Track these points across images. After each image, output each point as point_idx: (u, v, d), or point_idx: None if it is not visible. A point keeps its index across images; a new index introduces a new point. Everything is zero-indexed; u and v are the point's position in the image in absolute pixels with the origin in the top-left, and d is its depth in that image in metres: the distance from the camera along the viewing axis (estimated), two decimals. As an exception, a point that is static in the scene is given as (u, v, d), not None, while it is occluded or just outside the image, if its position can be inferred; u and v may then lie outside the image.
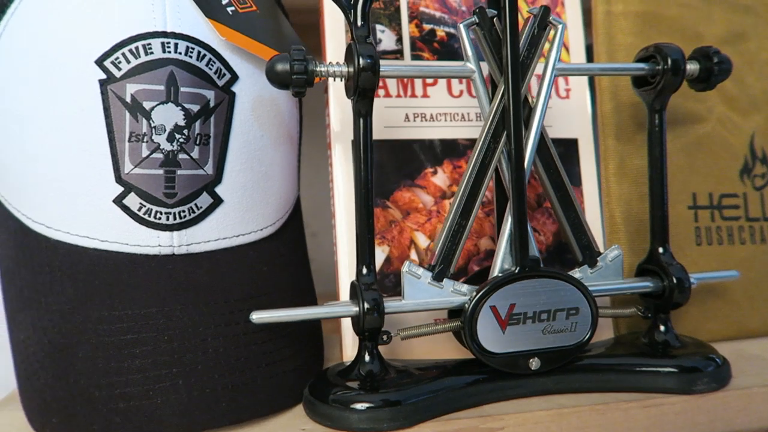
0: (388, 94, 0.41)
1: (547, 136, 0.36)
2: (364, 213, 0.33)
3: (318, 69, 0.32)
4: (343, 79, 0.33)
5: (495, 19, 0.35)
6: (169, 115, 0.32)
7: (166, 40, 0.32)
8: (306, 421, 0.32)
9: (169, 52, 0.32)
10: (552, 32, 0.35)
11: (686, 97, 0.43)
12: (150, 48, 0.32)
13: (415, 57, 0.42)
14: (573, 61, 0.44)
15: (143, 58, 0.32)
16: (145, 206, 0.32)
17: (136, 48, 0.32)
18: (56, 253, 0.32)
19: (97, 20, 0.32)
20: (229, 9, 0.35)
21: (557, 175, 0.36)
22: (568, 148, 0.43)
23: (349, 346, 0.39)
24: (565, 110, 0.44)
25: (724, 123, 0.44)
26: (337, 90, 0.40)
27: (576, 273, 0.36)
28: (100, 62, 0.31)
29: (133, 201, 0.32)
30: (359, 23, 0.32)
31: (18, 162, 0.33)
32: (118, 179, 0.32)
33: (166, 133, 0.32)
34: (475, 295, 0.33)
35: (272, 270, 0.37)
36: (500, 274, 0.34)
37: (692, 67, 0.37)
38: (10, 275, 0.33)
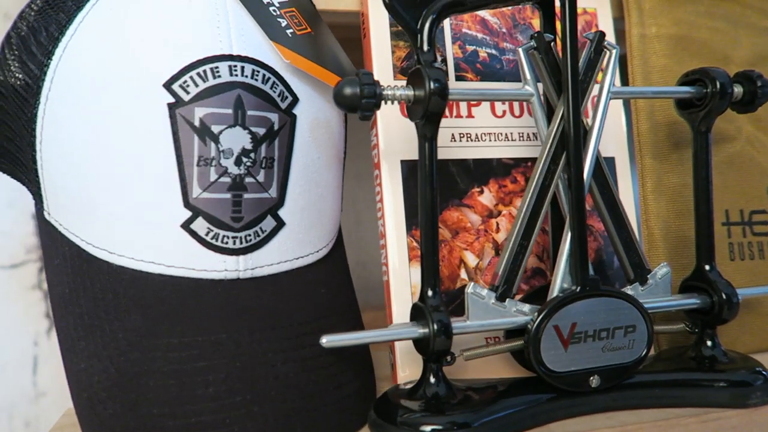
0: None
1: (601, 157, 0.36)
2: (430, 235, 0.33)
3: (385, 93, 0.32)
4: (408, 102, 0.33)
5: (552, 44, 0.35)
6: (236, 139, 0.32)
7: (233, 63, 0.32)
8: (376, 445, 0.32)
9: (236, 75, 0.32)
10: (607, 56, 0.36)
11: (718, 118, 0.44)
12: (218, 71, 0.32)
13: (458, 78, 0.42)
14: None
15: (211, 82, 0.32)
16: (212, 231, 0.32)
17: (204, 71, 0.32)
18: (120, 278, 0.32)
19: (164, 44, 0.32)
20: (288, 31, 0.35)
21: (611, 195, 0.37)
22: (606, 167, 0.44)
23: (403, 367, 0.39)
24: (603, 130, 0.45)
25: (752, 142, 0.46)
26: (384, 111, 0.40)
27: (628, 290, 0.37)
28: (168, 86, 0.31)
29: (200, 225, 0.32)
30: (425, 48, 0.33)
31: (79, 187, 0.32)
32: (186, 204, 0.31)
33: (234, 156, 0.32)
34: (539, 315, 0.34)
35: (329, 292, 0.37)
36: (560, 294, 0.35)
37: (737, 90, 0.38)
38: (66, 302, 0.32)
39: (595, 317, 0.34)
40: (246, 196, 0.33)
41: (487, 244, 0.41)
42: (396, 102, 0.33)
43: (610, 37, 0.46)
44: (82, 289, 0.32)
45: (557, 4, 0.35)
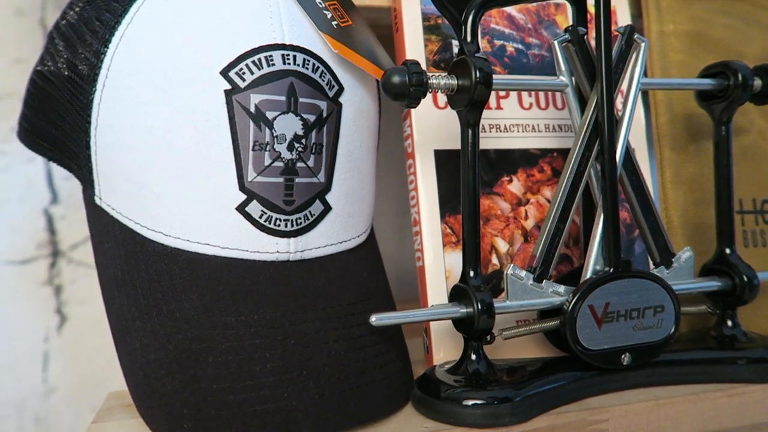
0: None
1: (631, 146, 0.38)
2: (472, 219, 0.35)
3: (431, 81, 0.34)
4: (451, 92, 0.34)
5: (584, 37, 0.37)
6: (289, 125, 0.33)
7: (285, 52, 0.33)
8: (422, 419, 0.33)
9: (289, 63, 0.33)
10: (636, 49, 0.38)
11: (732, 111, 0.46)
12: (272, 60, 0.33)
13: (488, 70, 0.44)
14: (626, 76, 0.47)
15: (266, 70, 0.33)
16: (266, 213, 0.33)
17: (259, 59, 0.33)
18: (176, 260, 0.33)
19: (220, 32, 0.33)
20: (333, 23, 0.36)
21: (639, 182, 0.38)
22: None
23: (438, 349, 0.40)
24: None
25: (764, 135, 0.48)
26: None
27: (655, 273, 0.39)
28: (224, 73, 0.32)
29: (255, 208, 0.33)
30: (469, 39, 0.34)
31: (135, 171, 0.33)
32: (242, 187, 0.33)
33: (287, 142, 0.33)
34: (575, 295, 0.35)
35: (370, 275, 0.38)
36: (594, 276, 0.36)
37: (757, 82, 0.40)
38: (119, 284, 0.33)
39: (627, 297, 0.36)
40: (297, 180, 0.34)
41: (516, 230, 0.43)
42: (439, 91, 0.35)
43: (629, 34, 0.48)
44: (136, 271, 0.33)
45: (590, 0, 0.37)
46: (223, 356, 0.31)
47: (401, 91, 0.33)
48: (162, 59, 0.32)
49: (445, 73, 0.34)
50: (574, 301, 0.35)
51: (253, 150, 0.33)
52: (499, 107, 0.44)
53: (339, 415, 0.31)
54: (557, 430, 0.33)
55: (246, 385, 0.30)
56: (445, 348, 0.40)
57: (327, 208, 0.35)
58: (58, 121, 0.36)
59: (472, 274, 0.35)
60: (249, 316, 0.32)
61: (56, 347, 0.60)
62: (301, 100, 0.34)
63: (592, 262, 0.37)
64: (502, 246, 0.42)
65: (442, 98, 0.42)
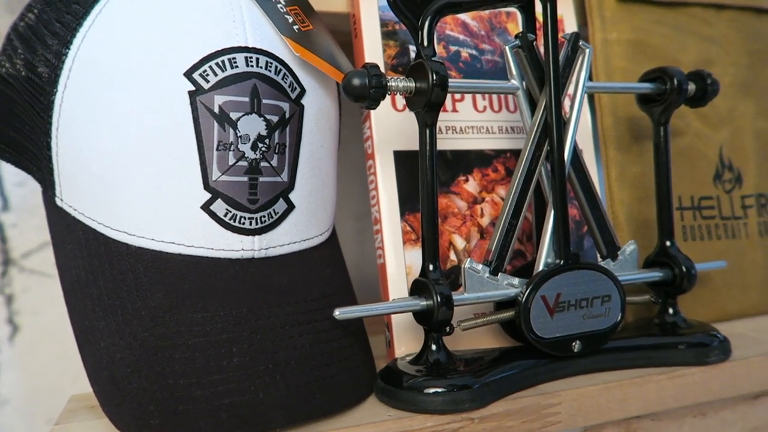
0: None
1: (578, 146, 0.41)
2: (431, 216, 0.36)
3: (390, 84, 0.35)
4: (409, 94, 0.36)
5: (534, 43, 0.39)
6: (253, 125, 0.34)
7: (248, 54, 0.34)
8: (386, 409, 0.35)
9: (252, 66, 0.34)
10: (581, 55, 0.40)
11: (670, 114, 0.50)
12: (235, 62, 0.34)
13: (443, 75, 0.46)
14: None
15: (229, 71, 0.34)
16: (231, 212, 0.34)
17: (223, 62, 0.34)
18: (140, 259, 0.33)
19: (183, 34, 0.33)
20: (294, 27, 0.37)
21: (586, 180, 0.41)
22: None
23: (399, 341, 0.41)
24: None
25: (699, 136, 0.51)
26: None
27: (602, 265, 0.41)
28: (188, 74, 0.33)
29: (219, 207, 0.33)
30: (426, 43, 0.36)
31: (99, 171, 0.33)
32: (207, 186, 0.33)
33: (251, 142, 0.34)
34: (528, 287, 0.37)
35: (333, 272, 0.39)
36: (546, 268, 0.38)
37: (691, 87, 0.43)
38: (81, 285, 0.33)
39: (577, 288, 0.38)
40: (261, 179, 0.35)
41: (473, 228, 0.44)
42: (398, 93, 0.36)
43: (575, 41, 0.51)
44: (100, 271, 0.33)
45: (538, 8, 0.39)
46: (189, 352, 0.31)
47: (361, 93, 0.34)
48: (126, 61, 0.33)
49: (404, 76, 0.36)
50: (527, 292, 0.37)
51: (217, 150, 0.33)
52: (455, 110, 0.46)
53: (306, 406, 0.32)
54: (513, 414, 0.35)
55: (213, 379, 0.31)
56: (406, 342, 0.41)
57: (290, 206, 0.36)
58: (16, 122, 0.36)
59: (431, 268, 0.36)
60: (215, 313, 0.32)
61: (8, 358, 0.58)
62: (264, 101, 0.35)
63: (544, 256, 0.39)
64: (460, 242, 0.44)
65: (400, 101, 0.44)
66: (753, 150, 0.53)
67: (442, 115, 0.45)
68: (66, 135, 0.34)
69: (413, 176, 0.43)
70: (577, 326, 0.38)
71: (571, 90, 0.41)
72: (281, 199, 0.36)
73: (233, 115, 0.34)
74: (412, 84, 0.36)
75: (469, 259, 0.37)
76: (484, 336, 0.43)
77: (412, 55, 0.45)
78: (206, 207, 0.33)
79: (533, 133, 0.39)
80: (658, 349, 0.40)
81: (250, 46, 0.35)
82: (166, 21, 0.33)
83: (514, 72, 0.39)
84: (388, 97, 0.43)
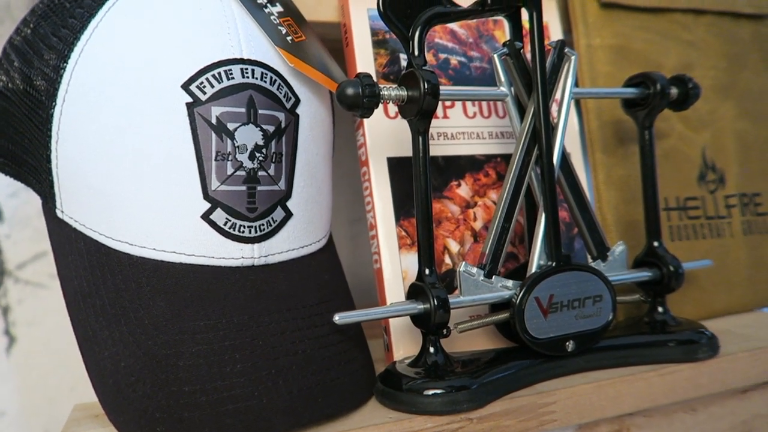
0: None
1: (566, 150, 0.42)
2: (426, 221, 0.37)
3: (383, 93, 0.36)
4: (401, 102, 0.37)
5: (521, 50, 0.40)
6: (250, 136, 0.35)
7: (244, 66, 0.35)
8: (386, 411, 0.35)
9: (248, 77, 0.35)
10: (567, 61, 0.41)
11: (654, 118, 0.51)
12: (231, 73, 0.34)
13: (434, 82, 0.47)
14: (560, 87, 0.51)
15: (225, 83, 0.34)
16: (230, 221, 0.34)
17: (219, 73, 0.34)
18: (142, 269, 0.34)
19: (180, 47, 0.34)
20: (288, 38, 0.38)
21: (575, 183, 0.42)
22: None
23: (398, 344, 0.42)
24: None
25: (682, 138, 0.53)
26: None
27: (593, 266, 0.42)
28: (186, 86, 0.34)
29: (219, 216, 0.34)
30: (416, 53, 0.37)
31: (100, 183, 0.34)
32: (206, 196, 0.34)
33: (248, 152, 0.35)
34: (522, 289, 0.38)
35: (331, 277, 0.40)
36: (538, 270, 0.39)
37: (673, 91, 0.44)
38: (84, 295, 0.34)
39: (569, 289, 0.39)
40: (259, 188, 0.35)
41: (466, 231, 0.45)
42: (390, 101, 0.37)
43: (561, 48, 0.52)
44: (102, 281, 0.34)
45: (524, 16, 0.40)
46: (193, 359, 0.32)
47: (355, 102, 0.35)
48: (124, 74, 0.33)
49: (396, 85, 0.37)
50: (521, 293, 0.38)
51: (215, 160, 0.34)
52: (445, 116, 0.46)
53: (308, 410, 0.33)
54: (511, 413, 0.35)
55: (217, 385, 0.31)
56: (404, 345, 0.42)
57: (288, 214, 0.37)
58: (15, 136, 0.36)
59: (427, 272, 0.37)
60: (217, 320, 0.33)
61: (4, 370, 0.58)
62: (260, 111, 0.35)
63: (536, 258, 0.40)
64: (454, 246, 0.45)
65: (392, 108, 0.45)
66: (734, 151, 0.55)
67: (433, 122, 0.46)
68: (65, 148, 0.34)
69: (407, 182, 0.44)
70: (570, 326, 0.39)
71: (558, 95, 0.42)
72: (279, 207, 0.36)
73: (230, 126, 0.34)
74: (404, 92, 0.36)
75: (464, 262, 0.38)
76: (480, 337, 0.43)
77: (403, 63, 0.46)
78: (206, 216, 0.34)
79: (523, 139, 0.40)
80: (648, 347, 0.41)
81: (245, 57, 0.35)
82: (162, 34, 0.34)
83: (502, 79, 0.40)
84: (380, 105, 0.44)
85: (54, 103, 0.34)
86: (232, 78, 0.35)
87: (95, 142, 0.34)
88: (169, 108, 0.33)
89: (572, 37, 0.52)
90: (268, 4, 0.39)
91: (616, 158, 0.50)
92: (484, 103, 0.47)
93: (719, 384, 0.41)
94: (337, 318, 0.34)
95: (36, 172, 0.36)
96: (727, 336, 0.46)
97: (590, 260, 0.43)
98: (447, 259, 0.45)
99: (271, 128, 0.36)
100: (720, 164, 0.54)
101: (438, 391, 0.35)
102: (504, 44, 0.40)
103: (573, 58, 0.41)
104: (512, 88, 0.41)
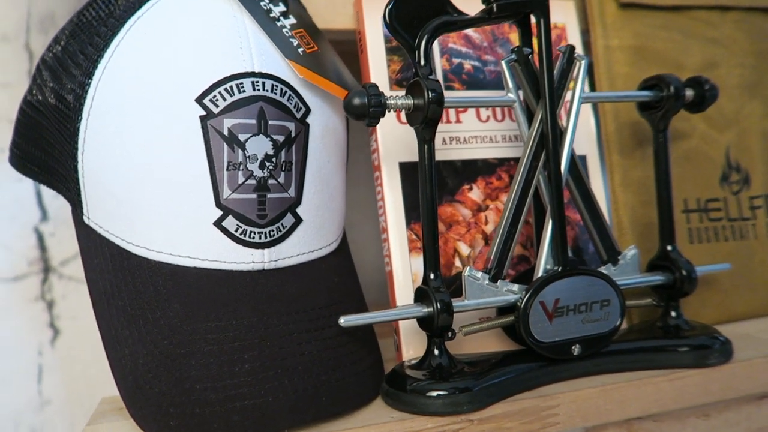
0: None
1: (576, 155, 0.42)
2: (431, 226, 0.38)
3: (389, 102, 0.37)
4: (408, 110, 0.38)
5: (529, 56, 0.41)
6: (260, 146, 0.36)
7: (255, 79, 0.37)
8: (390, 411, 0.37)
9: (258, 90, 0.37)
10: (577, 66, 0.41)
11: (675, 118, 0.50)
12: (242, 87, 0.36)
13: (447, 87, 0.47)
14: (577, 88, 0.51)
15: (237, 96, 0.36)
16: (241, 227, 0.36)
17: (231, 87, 0.36)
18: (159, 273, 0.36)
19: (194, 63, 0.36)
20: (299, 50, 0.40)
21: (584, 187, 0.42)
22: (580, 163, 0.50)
23: (407, 346, 0.43)
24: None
25: (705, 139, 0.52)
26: (382, 119, 0.45)
27: (602, 270, 0.42)
28: (199, 100, 0.35)
29: (231, 223, 0.36)
30: (422, 62, 0.38)
31: (121, 192, 0.36)
32: (218, 204, 0.36)
33: (258, 161, 0.36)
34: (527, 293, 0.39)
35: (341, 280, 0.41)
36: (545, 274, 0.40)
37: (689, 93, 0.44)
38: (108, 296, 0.36)
39: (575, 293, 0.40)
40: (269, 195, 0.37)
41: (477, 235, 0.46)
42: (396, 110, 0.38)
43: (578, 49, 0.52)
44: (124, 284, 0.36)
45: (533, 22, 0.41)
46: (204, 359, 0.34)
47: (361, 111, 0.36)
48: (142, 89, 0.36)
49: (403, 94, 0.38)
50: (526, 298, 0.39)
51: (227, 170, 0.36)
52: (458, 121, 0.47)
53: (312, 409, 0.34)
54: (512, 415, 0.36)
55: (226, 384, 0.33)
56: (414, 346, 0.43)
57: (298, 220, 0.38)
58: (47, 147, 0.39)
59: (432, 276, 0.38)
60: (228, 322, 0.35)
61: (50, 361, 0.62)
62: (270, 122, 0.37)
63: (543, 262, 0.40)
64: (465, 249, 0.46)
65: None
66: (760, 150, 0.53)
67: (446, 127, 0.47)
68: (90, 159, 0.37)
69: (418, 187, 0.45)
70: (576, 330, 0.40)
71: (568, 99, 0.42)
72: (289, 213, 0.38)
73: (241, 137, 0.36)
74: (409, 101, 0.37)
75: (468, 267, 0.39)
76: (490, 339, 0.44)
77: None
78: (218, 223, 0.36)
79: (530, 144, 0.40)
80: (658, 351, 0.41)
81: (256, 71, 0.37)
82: (178, 50, 0.36)
83: (510, 85, 0.40)
84: (393, 111, 0.45)
85: (80, 117, 0.37)
86: (244, 91, 0.36)
87: (117, 153, 0.36)
88: (183, 121, 0.35)
89: (590, 38, 0.51)
90: (281, 17, 0.40)
91: (634, 160, 0.50)
92: (497, 107, 0.48)
93: (731, 390, 0.41)
94: (343, 321, 0.36)
95: (66, 181, 0.39)
96: (746, 341, 0.45)
97: (601, 264, 0.43)
98: (457, 262, 0.45)
99: (281, 138, 0.37)
100: (745, 164, 0.53)
101: (440, 393, 0.36)
102: (512, 50, 0.41)
103: (583, 62, 0.41)
104: (521, 93, 0.41)
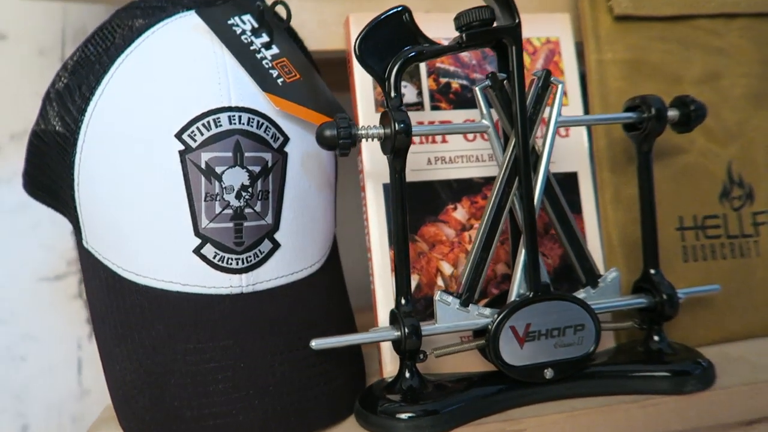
0: (412, 142, 0.47)
1: (552, 178, 0.42)
2: (402, 252, 0.39)
3: (360, 132, 0.38)
4: (380, 140, 0.39)
5: (505, 81, 0.41)
6: (236, 177, 0.38)
7: (231, 113, 0.39)
8: (360, 430, 0.38)
9: (235, 123, 0.38)
10: (553, 90, 0.41)
11: (671, 132, 0.49)
12: (219, 121, 0.38)
13: (433, 107, 0.48)
14: (571, 103, 0.50)
15: (214, 130, 0.38)
16: (219, 254, 0.38)
17: (208, 122, 0.38)
18: (145, 296, 0.38)
19: (175, 100, 0.38)
20: (279, 81, 0.41)
21: (561, 210, 0.42)
22: (569, 180, 0.50)
23: (387, 363, 0.45)
24: (566, 147, 0.50)
25: (704, 153, 0.51)
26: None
27: (581, 293, 0.42)
28: (179, 136, 0.38)
29: (209, 250, 0.38)
30: (392, 94, 0.39)
31: (111, 221, 0.39)
32: (197, 233, 0.38)
33: (235, 192, 0.38)
34: (497, 318, 0.39)
35: (323, 301, 0.43)
36: (517, 299, 0.40)
37: (673, 113, 0.43)
38: (103, 315, 0.39)
39: (548, 318, 0.40)
40: (246, 224, 0.39)
41: (461, 254, 0.47)
42: (368, 139, 0.39)
43: (572, 62, 0.51)
44: (115, 305, 0.39)
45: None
46: (183, 378, 0.36)
47: (332, 143, 0.38)
48: (127, 125, 0.38)
49: (375, 124, 0.39)
50: (496, 323, 0.39)
51: (205, 200, 0.38)
52: (444, 141, 0.48)
53: (281, 428, 0.36)
54: (476, 438, 0.37)
55: (201, 402, 0.36)
56: (394, 362, 0.44)
57: (276, 245, 0.40)
58: (52, 175, 0.43)
59: (403, 301, 0.39)
60: (205, 344, 0.37)
61: (88, 354, 0.68)
62: (246, 154, 0.39)
63: (516, 287, 0.41)
64: (447, 269, 0.47)
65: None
66: (767, 164, 0.51)
67: (431, 147, 0.48)
68: (85, 189, 0.40)
69: (401, 207, 0.46)
70: (548, 354, 0.40)
71: (545, 124, 0.42)
72: (266, 239, 0.40)
73: (218, 169, 0.38)
74: (380, 131, 0.38)
75: (439, 291, 0.40)
76: (472, 358, 0.45)
77: (403, 90, 0.48)
78: (197, 251, 0.38)
79: (503, 170, 0.40)
80: (634, 376, 0.41)
81: (233, 105, 0.39)
82: (160, 88, 0.38)
83: (484, 111, 0.41)
84: (368, 141, 0.46)
85: (75, 151, 0.40)
86: (220, 125, 0.38)
87: (106, 185, 0.39)
88: (164, 155, 0.38)
89: (584, 52, 0.51)
90: (263, 49, 0.42)
91: (625, 177, 0.49)
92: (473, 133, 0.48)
93: (710, 418, 0.40)
94: (313, 344, 0.38)
95: (67, 206, 0.42)
96: (736, 365, 0.45)
97: (581, 287, 0.43)
98: (440, 281, 0.46)
99: (257, 168, 0.39)
100: (749, 179, 0.51)
101: (406, 415, 0.37)
102: (487, 76, 0.41)
103: (559, 86, 0.41)
104: (495, 120, 0.41)
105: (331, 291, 0.44)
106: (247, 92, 0.39)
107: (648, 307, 0.43)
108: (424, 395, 0.39)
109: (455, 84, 0.49)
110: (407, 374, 0.39)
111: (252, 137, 0.39)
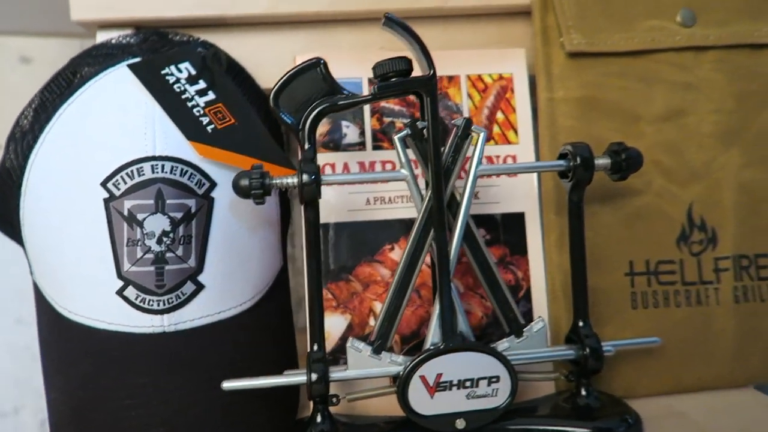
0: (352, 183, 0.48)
1: (473, 226, 0.41)
2: (316, 302, 0.40)
3: (274, 182, 0.39)
4: (295, 189, 0.40)
5: (424, 130, 0.41)
6: (157, 223, 0.40)
7: (155, 162, 0.41)
8: (271, 470, 0.40)
9: (157, 172, 0.40)
10: (475, 139, 0.41)
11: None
12: (142, 170, 0.40)
13: (376, 147, 0.48)
14: (522, 141, 0.49)
15: (137, 179, 0.40)
16: (141, 296, 0.41)
17: (131, 171, 0.40)
18: (77, 332, 0.41)
19: (102, 150, 0.41)
20: (209, 128, 0.43)
21: (483, 259, 0.42)
22: (516, 221, 0.49)
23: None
24: (514, 187, 0.49)
25: (661, 195, 0.48)
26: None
27: (504, 343, 0.42)
28: (104, 184, 0.40)
29: (131, 292, 0.40)
30: (306, 146, 0.39)
31: (47, 260, 0.42)
32: (119, 276, 0.40)
33: (156, 237, 0.40)
34: (407, 366, 0.40)
35: (252, 339, 0.44)
36: (431, 347, 0.40)
37: (604, 161, 0.41)
38: (46, 347, 0.43)
39: (460, 369, 0.40)
40: (168, 267, 0.41)
41: (395, 294, 0.47)
42: (284, 189, 0.40)
43: (526, 98, 0.50)
44: (53, 339, 0.42)
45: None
46: (103, 414, 0.39)
47: (246, 192, 0.39)
48: (60, 173, 0.41)
49: (290, 174, 0.40)
50: (405, 372, 0.40)
51: (127, 245, 0.40)
52: (384, 181, 0.48)
53: (190, 466, 0.38)
54: (374, 488, 0.38)
55: (116, 437, 0.38)
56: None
57: (199, 287, 0.42)
58: (10, 209, 0.46)
59: (315, 347, 0.40)
60: (124, 381, 0.40)
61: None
62: (168, 201, 0.41)
63: (431, 335, 0.41)
64: (380, 309, 0.47)
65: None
66: (734, 205, 0.48)
67: (371, 187, 0.48)
68: (27, 231, 0.43)
69: (336, 247, 0.47)
70: (460, 405, 0.40)
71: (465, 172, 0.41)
72: (189, 281, 0.42)
73: (140, 216, 0.40)
74: (293, 180, 0.39)
75: (351, 338, 0.40)
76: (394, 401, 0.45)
77: (344, 130, 0.48)
78: (120, 293, 0.40)
79: (420, 218, 0.40)
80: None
81: (157, 154, 0.41)
82: (90, 138, 0.41)
83: (402, 160, 0.41)
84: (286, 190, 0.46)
85: (20, 193, 0.43)
86: (143, 174, 0.40)
87: (42, 229, 0.42)
88: (90, 202, 0.40)
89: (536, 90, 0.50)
90: (196, 96, 0.44)
91: (572, 219, 0.47)
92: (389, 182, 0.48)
93: (627, 479, 0.39)
94: (225, 385, 0.39)
95: (22, 242, 0.46)
96: (673, 421, 0.43)
97: (505, 336, 0.42)
98: (372, 321, 0.47)
99: (179, 215, 0.41)
100: (712, 222, 0.49)
101: (313, 460, 0.38)
102: (406, 125, 0.41)
103: (481, 135, 0.41)
104: (414, 168, 0.41)
105: (263, 330, 0.46)
106: (173, 141, 0.41)
107: (575, 360, 0.42)
108: (333, 441, 0.40)
109: (399, 123, 0.49)
110: (318, 418, 0.40)
111: (174, 185, 0.41)
